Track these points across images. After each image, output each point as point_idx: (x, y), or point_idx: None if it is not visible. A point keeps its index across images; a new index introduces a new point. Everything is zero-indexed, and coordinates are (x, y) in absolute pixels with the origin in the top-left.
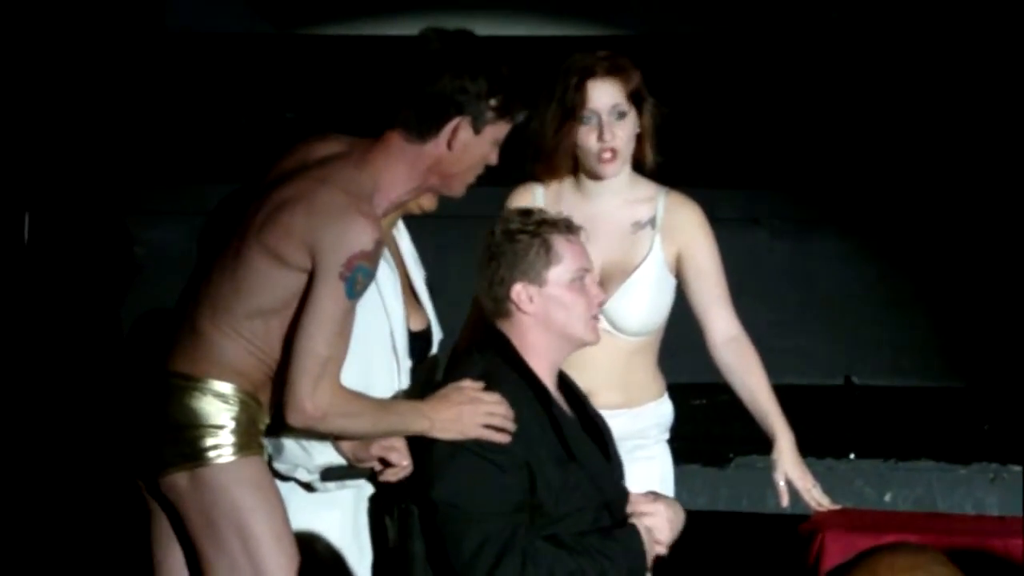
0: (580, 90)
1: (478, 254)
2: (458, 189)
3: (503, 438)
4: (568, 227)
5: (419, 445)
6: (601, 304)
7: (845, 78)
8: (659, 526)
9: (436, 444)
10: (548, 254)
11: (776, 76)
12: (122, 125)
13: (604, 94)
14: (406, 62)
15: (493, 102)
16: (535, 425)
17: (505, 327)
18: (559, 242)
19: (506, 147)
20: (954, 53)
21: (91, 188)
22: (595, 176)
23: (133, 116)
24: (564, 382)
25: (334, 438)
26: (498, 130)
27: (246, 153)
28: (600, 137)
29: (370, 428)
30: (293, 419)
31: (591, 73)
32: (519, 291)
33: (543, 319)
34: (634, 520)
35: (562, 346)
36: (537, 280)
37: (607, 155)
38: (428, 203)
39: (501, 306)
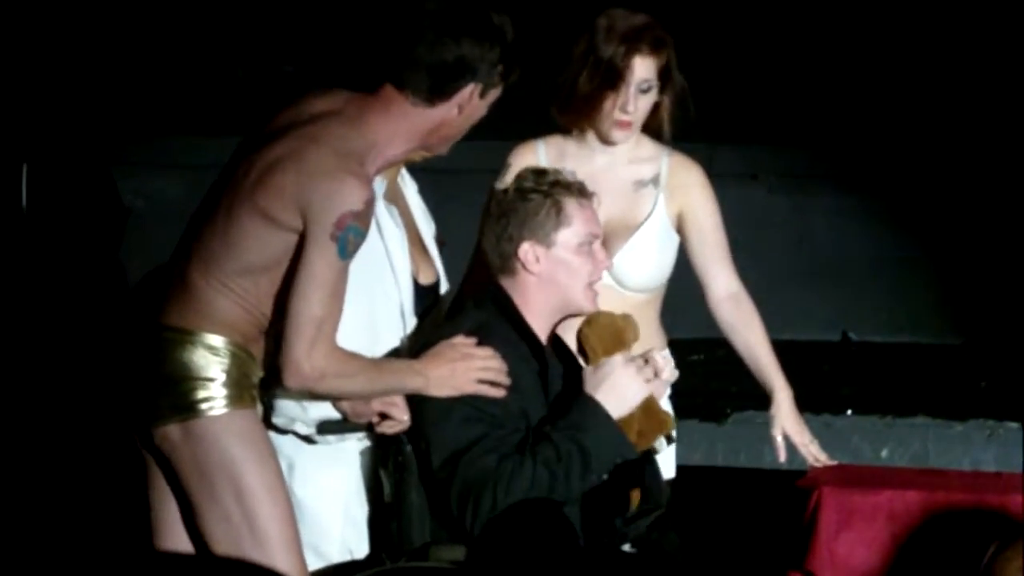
0: (623, 60)
1: (486, 209)
2: (446, 149)
3: (498, 392)
4: (581, 191)
5: (415, 401)
6: (605, 269)
7: (845, 34)
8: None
9: (432, 401)
10: (559, 216)
11: (776, 31)
12: (121, 78)
13: (642, 69)
14: (416, 25)
15: (500, 68)
16: (529, 376)
17: (507, 284)
18: (571, 205)
19: (504, 103)
20: (954, 9)
21: (90, 140)
22: (604, 138)
23: (132, 68)
24: (558, 346)
25: (332, 399)
26: (496, 93)
27: (244, 106)
28: (624, 108)
29: (366, 388)
30: (290, 381)
31: (637, 49)
32: (526, 250)
33: (547, 280)
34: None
35: (559, 309)
36: (545, 241)
37: (623, 123)
38: (418, 155)
39: (507, 263)
